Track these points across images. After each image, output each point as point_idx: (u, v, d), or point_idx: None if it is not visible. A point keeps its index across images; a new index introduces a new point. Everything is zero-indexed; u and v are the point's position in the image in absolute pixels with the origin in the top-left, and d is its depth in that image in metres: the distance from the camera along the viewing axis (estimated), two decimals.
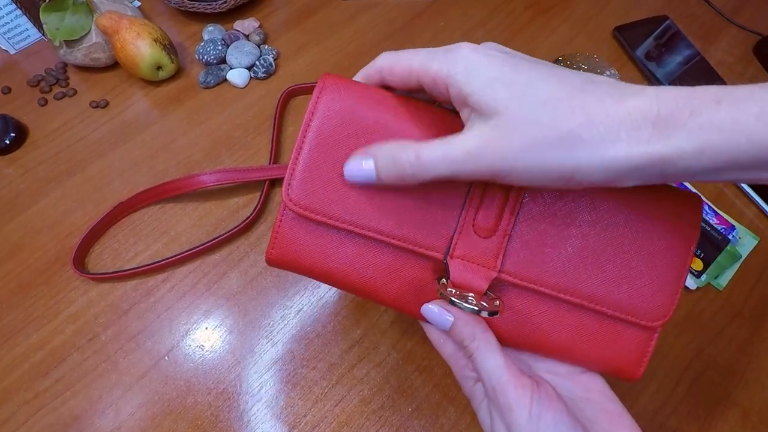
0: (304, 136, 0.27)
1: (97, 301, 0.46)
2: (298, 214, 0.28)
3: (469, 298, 0.26)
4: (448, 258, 0.28)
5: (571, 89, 0.21)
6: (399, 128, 0.27)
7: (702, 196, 0.54)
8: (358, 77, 0.29)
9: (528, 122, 0.21)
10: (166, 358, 0.44)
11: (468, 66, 0.23)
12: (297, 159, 0.27)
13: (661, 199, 0.28)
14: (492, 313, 0.26)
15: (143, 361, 0.43)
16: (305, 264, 0.29)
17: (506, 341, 0.29)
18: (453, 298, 0.26)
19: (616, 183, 0.21)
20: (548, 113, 0.21)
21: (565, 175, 0.21)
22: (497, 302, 0.27)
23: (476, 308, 0.26)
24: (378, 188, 0.27)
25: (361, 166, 0.26)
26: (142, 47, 0.55)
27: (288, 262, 0.29)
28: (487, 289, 0.28)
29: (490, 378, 0.26)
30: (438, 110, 0.28)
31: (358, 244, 0.29)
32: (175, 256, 0.47)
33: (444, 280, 0.28)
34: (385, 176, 0.25)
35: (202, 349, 0.44)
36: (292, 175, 0.27)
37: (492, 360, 0.26)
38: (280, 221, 0.29)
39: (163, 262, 0.47)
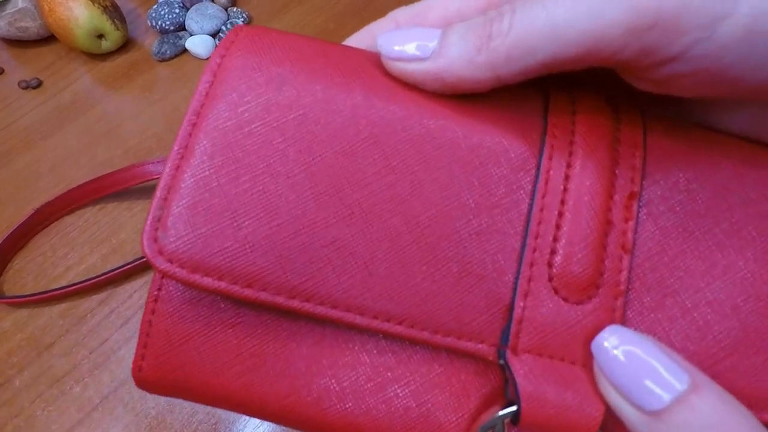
0: (193, 132, 0.15)
1: (12, 333, 0.36)
2: (188, 283, 0.14)
3: None
4: (508, 354, 0.15)
5: None
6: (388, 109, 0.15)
7: None
8: (352, 42, 0.18)
9: None
10: (99, 409, 0.33)
11: None
12: (179, 172, 0.14)
13: None
14: None
15: (68, 414, 0.33)
16: (213, 384, 0.15)
17: None
18: None
19: None
20: None
21: None
22: None
23: None
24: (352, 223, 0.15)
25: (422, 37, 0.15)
26: (75, 9, 0.44)
27: (176, 384, 0.16)
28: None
29: None
30: None
31: (320, 337, 0.15)
32: (116, 269, 0.37)
33: (501, 413, 0.14)
34: (455, 51, 0.14)
35: (147, 398, 0.33)
36: (165, 203, 0.14)
37: None
38: (155, 303, 0.15)
39: (101, 278, 0.37)
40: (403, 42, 0.15)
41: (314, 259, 0.14)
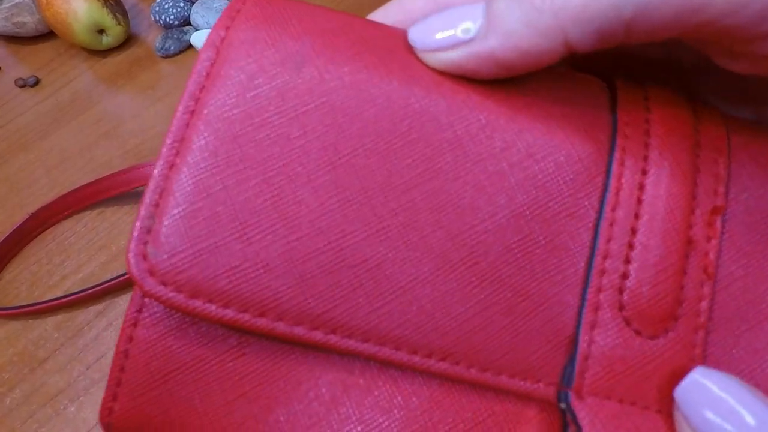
0: (191, 122, 0.12)
1: (3, 347, 0.34)
2: (186, 311, 0.12)
3: None
4: (572, 396, 0.12)
5: None
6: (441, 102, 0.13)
7: None
8: (378, 16, 0.16)
9: None
10: (95, 430, 0.31)
11: None
12: (173, 171, 0.12)
13: None
14: None
15: None
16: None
17: None
18: None
19: None
20: None
21: None
22: None
23: None
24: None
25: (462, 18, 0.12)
26: (74, 3, 0.42)
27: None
28: None
29: None
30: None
31: (346, 374, 0.13)
32: (116, 278, 0.35)
33: None
34: (509, 18, 0.12)
35: None
36: (157, 210, 0.12)
37: None
38: (134, 328, 0.12)
39: (99, 288, 0.35)
40: (439, 29, 0.13)
41: (342, 282, 0.12)
